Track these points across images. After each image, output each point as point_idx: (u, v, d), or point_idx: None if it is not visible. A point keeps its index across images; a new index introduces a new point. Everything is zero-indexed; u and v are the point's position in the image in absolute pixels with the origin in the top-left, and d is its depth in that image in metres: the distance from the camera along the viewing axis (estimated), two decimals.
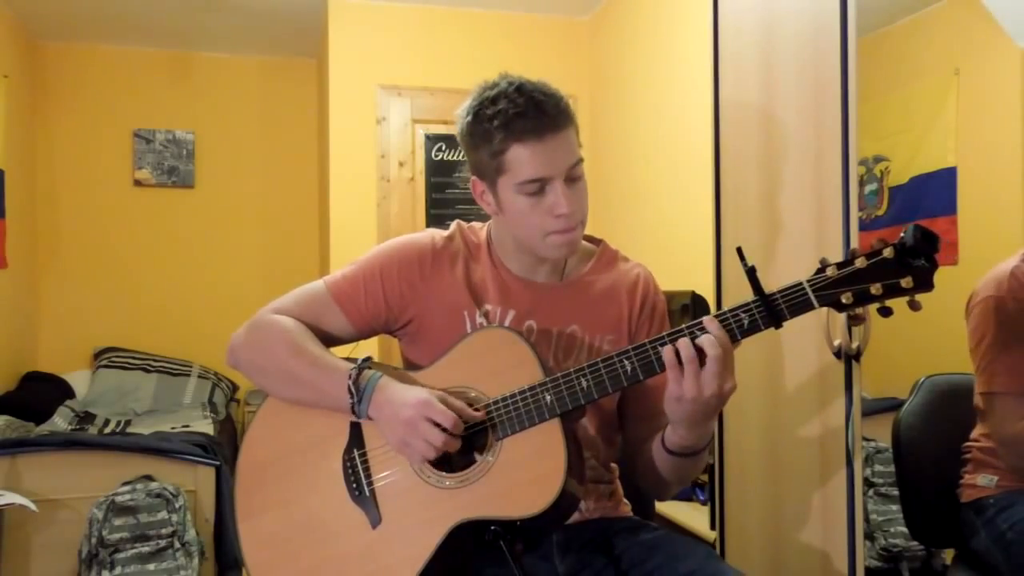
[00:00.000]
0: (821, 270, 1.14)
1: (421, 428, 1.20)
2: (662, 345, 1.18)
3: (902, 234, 1.10)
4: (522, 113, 1.27)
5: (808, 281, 1.14)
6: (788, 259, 1.89)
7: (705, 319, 1.17)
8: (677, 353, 1.15)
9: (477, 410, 1.24)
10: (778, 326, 1.16)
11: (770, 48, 1.95)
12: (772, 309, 1.15)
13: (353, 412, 1.27)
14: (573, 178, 1.32)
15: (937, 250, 1.09)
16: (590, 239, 1.51)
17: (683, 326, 1.19)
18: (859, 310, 1.14)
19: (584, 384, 1.21)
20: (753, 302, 1.16)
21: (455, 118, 1.38)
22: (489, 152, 1.31)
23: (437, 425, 1.20)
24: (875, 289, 1.11)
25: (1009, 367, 1.69)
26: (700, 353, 1.15)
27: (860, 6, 1.69)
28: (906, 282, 1.10)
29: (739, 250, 1.18)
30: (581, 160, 1.34)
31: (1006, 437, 1.71)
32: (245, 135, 4.90)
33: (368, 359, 1.32)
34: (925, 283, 1.10)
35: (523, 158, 1.29)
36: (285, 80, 4.95)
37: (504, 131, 1.28)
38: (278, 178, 4.93)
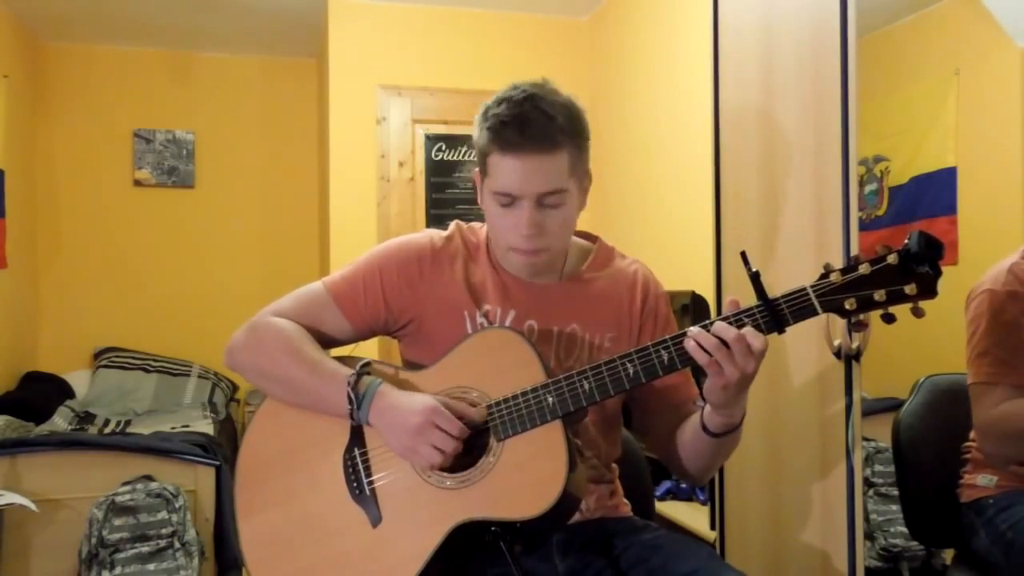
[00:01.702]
0: (825, 275, 1.14)
1: (431, 435, 1.20)
2: (664, 348, 1.19)
3: (906, 240, 1.10)
4: (507, 124, 1.27)
5: (812, 286, 1.14)
6: (788, 259, 1.88)
7: (699, 324, 1.17)
8: (702, 348, 1.15)
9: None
10: (781, 331, 1.16)
11: (770, 48, 1.95)
12: (776, 314, 1.15)
13: (352, 418, 1.27)
14: (547, 205, 1.30)
15: (941, 257, 1.09)
16: (585, 236, 1.51)
17: (682, 331, 1.19)
18: (862, 316, 1.14)
19: (586, 386, 1.21)
20: (757, 307, 1.16)
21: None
22: (479, 150, 1.34)
23: (445, 432, 1.20)
24: (879, 295, 1.11)
25: (996, 359, 1.70)
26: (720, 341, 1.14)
27: (860, 6, 1.68)
28: (910, 289, 1.10)
29: (743, 254, 1.18)
30: (562, 190, 1.30)
31: (981, 423, 1.74)
32: (245, 135, 4.89)
33: (367, 363, 1.31)
34: (929, 290, 1.10)
35: (500, 168, 1.29)
36: (285, 80, 4.94)
37: (491, 135, 1.29)
38: (278, 178, 4.93)
